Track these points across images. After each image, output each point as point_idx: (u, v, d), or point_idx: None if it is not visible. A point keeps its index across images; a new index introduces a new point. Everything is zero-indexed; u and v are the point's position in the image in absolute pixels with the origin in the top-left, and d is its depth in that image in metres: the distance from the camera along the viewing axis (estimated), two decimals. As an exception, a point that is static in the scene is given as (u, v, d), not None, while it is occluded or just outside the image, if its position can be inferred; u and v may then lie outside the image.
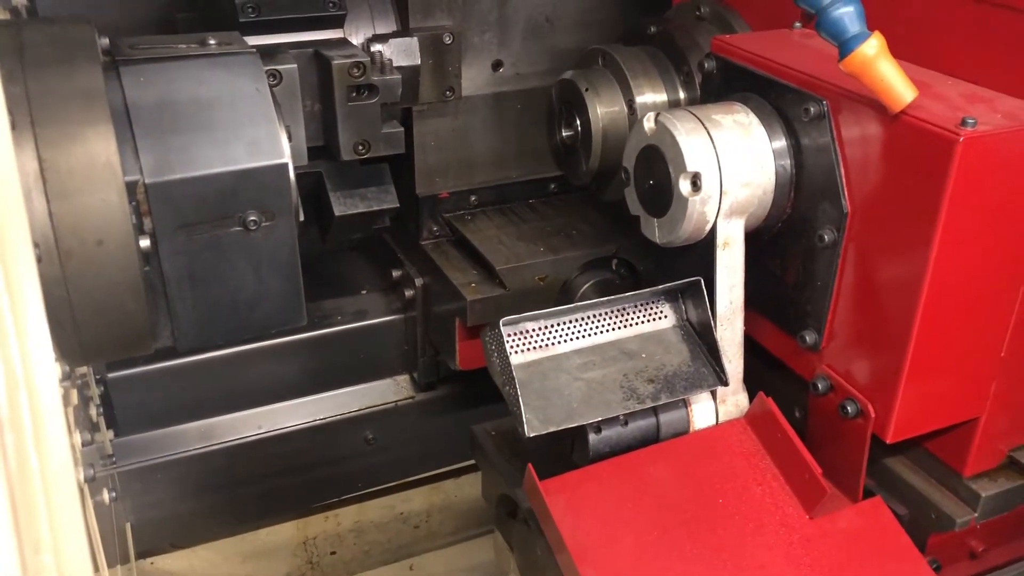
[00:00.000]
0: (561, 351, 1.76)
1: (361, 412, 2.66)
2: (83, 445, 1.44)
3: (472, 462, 2.74)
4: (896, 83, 1.45)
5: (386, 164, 2.45)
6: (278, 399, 2.63)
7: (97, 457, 1.97)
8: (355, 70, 2.11)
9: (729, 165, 1.67)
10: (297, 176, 2.22)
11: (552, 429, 1.63)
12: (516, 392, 1.64)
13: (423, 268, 2.62)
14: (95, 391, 2.20)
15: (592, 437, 1.73)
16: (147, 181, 1.49)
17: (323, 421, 2.63)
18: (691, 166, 1.65)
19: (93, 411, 2.08)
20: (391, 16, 2.38)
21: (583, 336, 1.78)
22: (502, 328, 1.67)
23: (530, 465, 1.69)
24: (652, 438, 1.77)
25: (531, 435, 1.61)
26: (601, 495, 1.67)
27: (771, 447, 1.73)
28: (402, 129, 2.22)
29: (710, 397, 1.81)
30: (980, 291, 1.56)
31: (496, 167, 2.67)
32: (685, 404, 1.79)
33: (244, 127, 1.57)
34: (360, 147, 2.19)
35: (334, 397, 2.66)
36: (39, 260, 1.30)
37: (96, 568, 1.43)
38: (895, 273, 1.56)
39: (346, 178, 2.40)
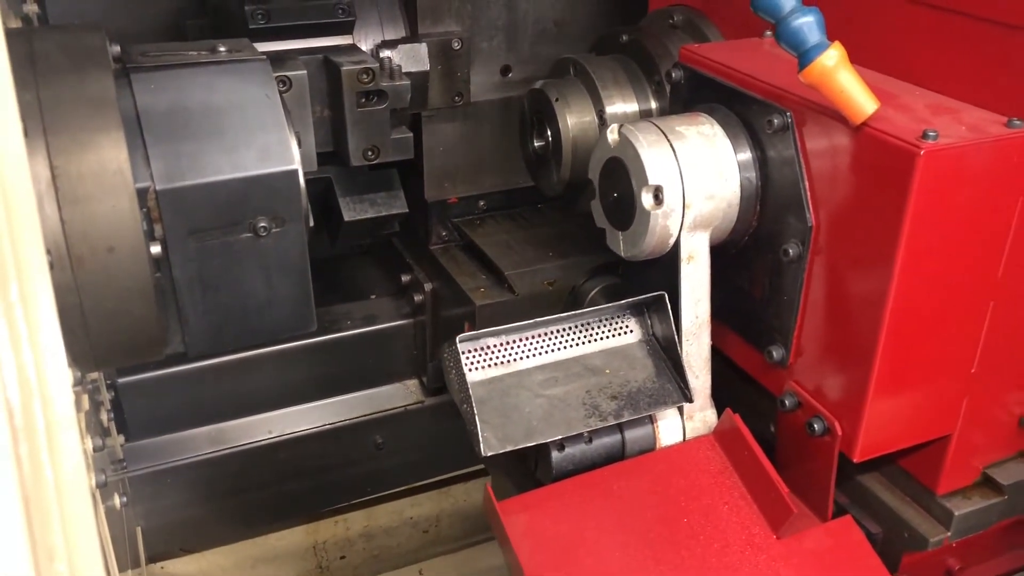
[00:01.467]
0: (523, 367, 1.73)
1: (370, 416, 2.66)
2: (94, 450, 1.44)
3: (481, 466, 2.74)
4: (856, 95, 1.43)
5: (395, 169, 2.45)
6: (288, 404, 2.63)
7: (108, 462, 1.97)
8: (364, 76, 2.11)
9: (692, 178, 1.64)
10: (306, 182, 2.23)
11: (510, 448, 1.60)
12: (472, 410, 1.60)
13: (432, 273, 2.62)
14: (106, 396, 2.20)
15: (555, 455, 1.70)
16: (158, 188, 1.49)
17: (333, 426, 2.63)
18: (653, 179, 1.63)
19: (104, 416, 2.09)
20: (400, 22, 2.38)
21: (546, 352, 1.75)
22: (459, 345, 1.65)
23: (488, 485, 1.66)
24: (618, 455, 1.74)
25: (488, 454, 1.58)
26: (562, 515, 1.64)
27: (738, 465, 1.70)
28: (411, 135, 2.23)
29: (677, 413, 1.77)
30: (947, 307, 1.53)
31: (505, 172, 2.67)
32: (651, 420, 1.75)
33: (254, 133, 1.57)
34: (369, 152, 2.19)
35: (344, 402, 2.66)
36: (51, 267, 1.30)
37: (107, 574, 1.43)
38: (860, 288, 1.53)
39: (355, 183, 2.40)
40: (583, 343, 1.77)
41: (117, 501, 1.84)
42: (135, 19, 2.50)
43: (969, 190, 1.43)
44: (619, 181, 1.71)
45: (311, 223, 2.03)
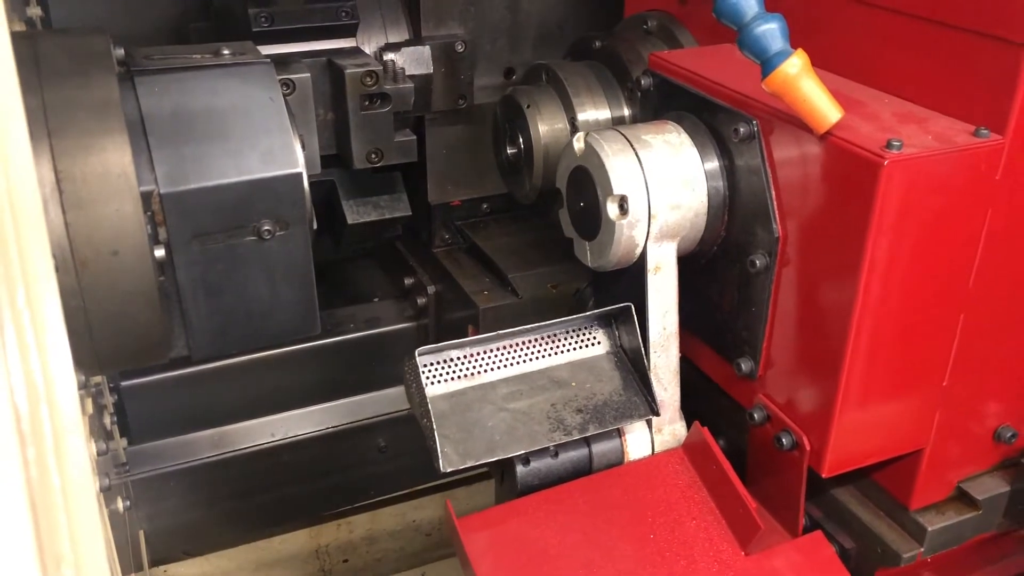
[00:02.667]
0: (488, 380, 1.69)
1: (374, 420, 2.65)
2: (98, 455, 1.44)
3: (484, 470, 2.73)
4: (820, 103, 1.39)
5: (398, 172, 2.45)
6: (291, 407, 2.62)
7: (111, 466, 1.97)
8: (368, 79, 2.11)
9: (657, 187, 1.61)
10: (310, 184, 2.23)
11: (471, 464, 1.57)
12: (432, 425, 1.57)
13: (435, 276, 2.62)
14: (109, 399, 2.20)
15: (520, 469, 1.66)
16: (162, 191, 1.49)
17: (336, 429, 2.62)
18: (617, 188, 1.60)
19: (107, 419, 2.09)
20: (403, 25, 2.38)
21: (512, 364, 1.71)
22: (418, 359, 1.62)
23: (448, 501, 1.61)
24: (585, 469, 1.70)
25: (447, 470, 1.55)
26: (525, 532, 1.59)
27: (707, 479, 1.66)
28: (414, 137, 2.23)
29: (645, 427, 1.73)
30: (916, 319, 1.50)
31: (508, 175, 2.66)
32: (619, 434, 1.72)
33: (258, 137, 1.57)
34: (373, 155, 2.19)
35: (347, 405, 2.66)
36: (56, 270, 1.30)
37: None
38: (826, 300, 1.50)
39: (359, 186, 2.41)
40: (549, 355, 1.73)
41: (120, 505, 1.84)
42: (138, 22, 2.50)
43: (936, 200, 1.40)
44: (585, 190, 1.68)
45: (315, 226, 2.03)
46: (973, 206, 1.44)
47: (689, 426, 1.73)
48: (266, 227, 1.58)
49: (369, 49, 2.32)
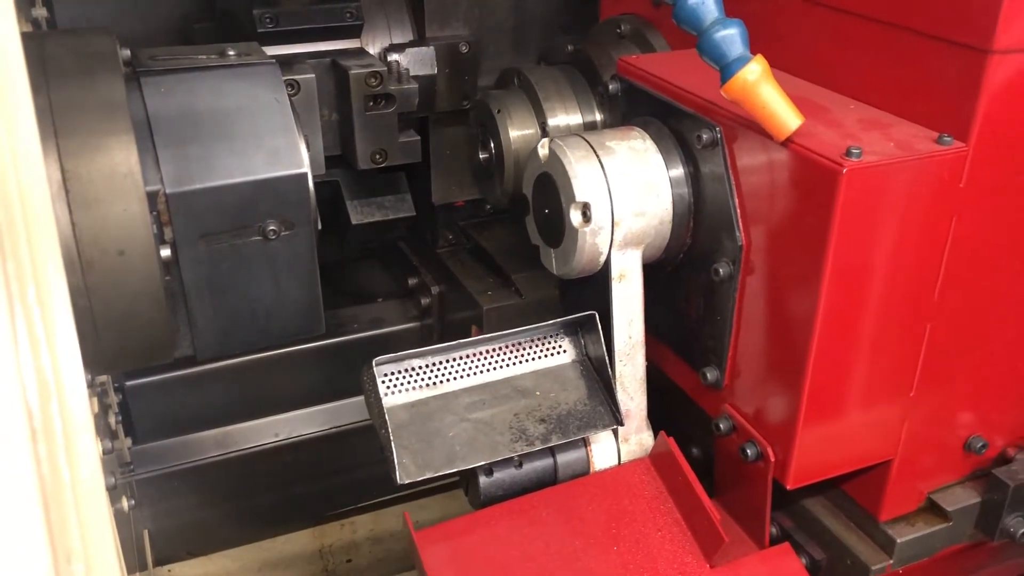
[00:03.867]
0: (450, 389, 1.67)
1: (377, 420, 2.65)
2: (104, 454, 1.45)
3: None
4: (779, 110, 1.37)
5: (402, 173, 2.46)
6: (295, 407, 2.63)
7: (116, 465, 1.98)
8: (372, 79, 2.12)
9: (621, 194, 1.59)
10: (315, 185, 2.24)
11: (429, 475, 1.55)
12: (388, 436, 1.55)
13: (439, 276, 2.63)
14: (113, 399, 2.21)
15: (483, 480, 1.63)
16: (168, 191, 1.50)
17: (339, 429, 2.63)
18: (580, 195, 1.58)
19: (112, 419, 2.09)
20: (408, 26, 2.39)
21: (475, 373, 1.69)
22: (375, 369, 1.60)
23: (406, 514, 1.61)
24: (549, 480, 1.68)
25: (404, 481, 1.53)
26: (486, 544, 1.57)
27: (673, 490, 1.64)
28: (419, 138, 2.24)
29: (612, 436, 1.72)
30: (880, 329, 1.48)
31: (512, 175, 2.67)
32: (585, 444, 1.69)
33: (264, 137, 1.58)
34: (377, 156, 2.20)
35: (350, 405, 2.66)
36: (62, 270, 1.31)
37: None
38: (789, 309, 1.48)
39: (363, 187, 2.41)
40: (514, 363, 1.71)
41: (125, 504, 1.85)
42: (142, 23, 2.51)
43: (898, 209, 1.39)
44: (549, 197, 1.66)
45: (319, 226, 2.03)
46: (937, 214, 1.42)
47: (659, 435, 1.72)
48: (271, 227, 1.59)
49: (373, 50, 2.33)
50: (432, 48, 2.33)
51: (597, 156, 1.60)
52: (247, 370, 2.53)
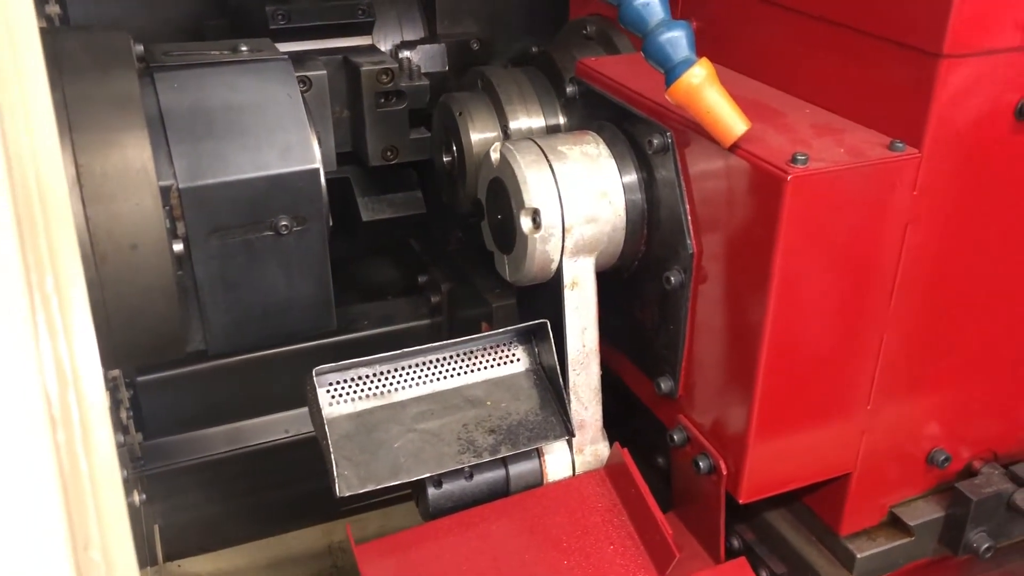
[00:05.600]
0: (398, 399, 1.66)
1: (387, 417, 2.66)
2: (118, 447, 1.45)
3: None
4: (724, 114, 1.35)
5: (413, 170, 2.46)
6: (305, 404, 2.63)
7: (127, 460, 1.99)
8: (384, 76, 2.16)
9: (572, 200, 1.58)
10: (326, 181, 2.25)
11: (372, 487, 1.54)
12: (328, 447, 1.55)
13: (449, 273, 2.65)
14: (125, 394, 2.22)
15: (432, 492, 1.61)
16: (181, 186, 1.53)
17: (349, 426, 2.63)
18: (530, 201, 1.58)
19: (123, 414, 2.10)
20: (419, 23, 2.44)
21: (425, 382, 1.68)
22: (316, 379, 1.60)
23: (347, 526, 1.62)
24: (501, 491, 1.66)
25: (345, 494, 1.53)
26: (431, 558, 1.55)
27: (627, 502, 1.63)
28: (430, 135, 2.24)
29: (566, 447, 1.71)
30: (833, 340, 1.47)
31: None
32: (538, 454, 1.68)
33: (276, 133, 1.61)
34: (388, 153, 2.23)
35: (360, 402, 2.66)
36: (76, 263, 1.32)
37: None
38: (739, 319, 1.47)
39: (374, 184, 2.44)
40: (466, 372, 1.70)
41: (136, 498, 1.86)
42: (154, 20, 2.55)
43: (847, 216, 1.38)
44: (501, 203, 1.66)
45: (331, 223, 2.03)
46: (890, 222, 1.41)
47: (614, 446, 1.71)
48: (283, 223, 1.61)
49: (385, 47, 2.38)
50: (443, 45, 2.37)
51: (548, 161, 1.60)
52: (258, 366, 2.56)
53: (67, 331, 0.76)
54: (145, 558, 1.99)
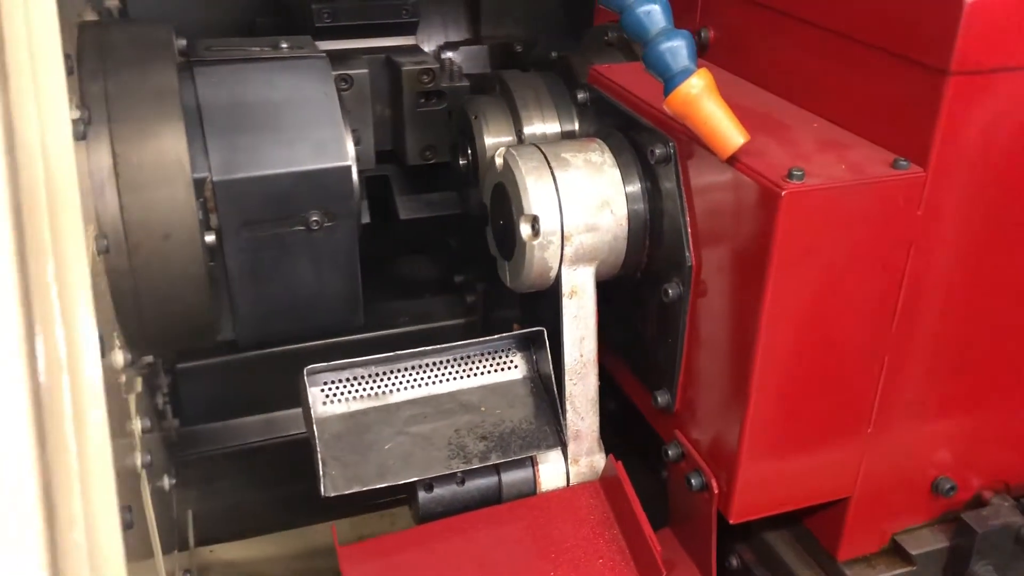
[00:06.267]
0: (393, 401, 1.66)
1: (420, 413, 2.67)
2: (144, 432, 1.48)
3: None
4: (721, 126, 1.32)
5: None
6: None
7: (160, 444, 2.02)
8: (424, 76, 2.18)
9: (572, 209, 1.56)
10: (365, 179, 2.27)
11: (357, 489, 1.54)
12: (315, 445, 1.55)
13: (485, 274, 2.64)
14: (163, 380, 2.26)
15: (422, 495, 1.61)
16: (215, 179, 1.56)
17: (383, 420, 2.65)
18: (529, 208, 1.56)
19: (160, 399, 2.15)
20: (463, 24, 2.46)
21: (421, 385, 1.68)
22: (305, 379, 1.59)
23: (333, 527, 1.61)
24: (493, 499, 1.64)
25: (330, 494, 1.53)
26: (415, 564, 1.54)
27: (620, 516, 1.60)
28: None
29: (561, 457, 1.68)
30: (831, 361, 1.43)
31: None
32: (532, 463, 1.66)
33: (310, 129, 1.63)
34: (427, 152, 2.26)
35: (395, 397, 2.68)
36: (107, 251, 1.35)
37: (152, 552, 1.48)
38: (733, 335, 1.44)
39: (412, 183, 2.46)
40: (463, 377, 1.70)
41: (166, 482, 1.90)
42: (209, 14, 2.58)
43: (846, 234, 1.34)
44: (504, 208, 1.64)
45: (365, 220, 2.05)
46: (892, 242, 1.37)
47: (608, 458, 1.69)
48: (314, 218, 1.64)
49: (428, 47, 2.40)
50: (486, 47, 2.37)
51: (550, 168, 1.58)
52: (295, 358, 2.57)
53: (66, 318, 0.78)
54: (174, 541, 2.02)
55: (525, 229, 1.57)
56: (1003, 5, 1.23)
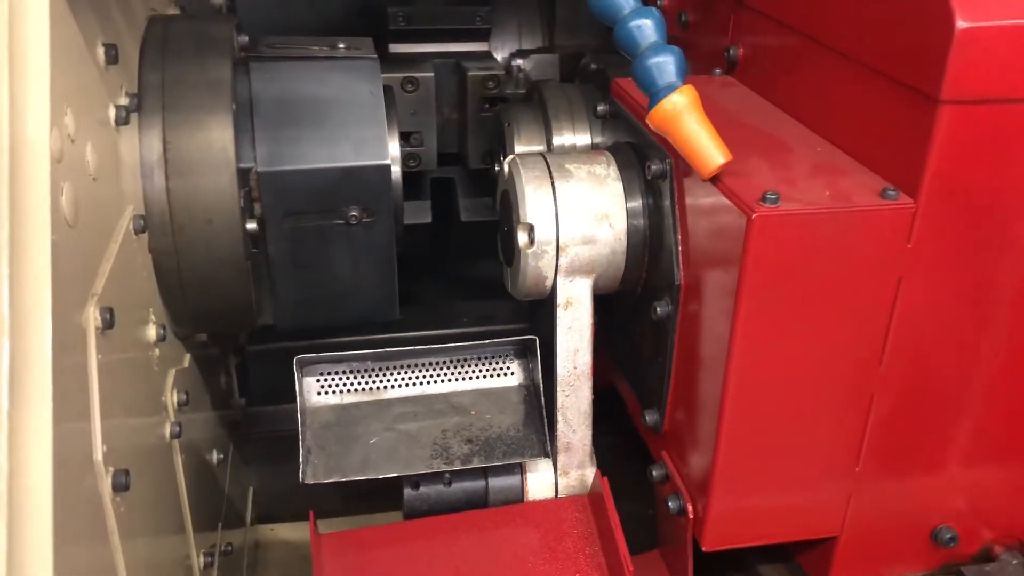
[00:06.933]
0: (386, 397, 1.68)
1: (478, 412, 2.70)
2: (180, 405, 1.56)
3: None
4: (702, 144, 1.29)
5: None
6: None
7: (214, 420, 2.11)
8: (489, 82, 2.21)
9: (569, 220, 1.55)
10: (431, 181, 2.31)
11: (337, 479, 1.56)
12: (303, 433, 1.58)
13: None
14: (231, 360, 2.36)
15: (408, 492, 1.63)
16: (259, 170, 1.61)
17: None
18: (525, 217, 1.56)
19: (223, 379, 2.24)
20: (539, 33, 2.45)
21: (416, 383, 1.69)
22: (295, 367, 1.62)
23: (311, 513, 1.60)
24: (479, 502, 1.65)
25: (309, 481, 1.56)
26: (390, 559, 1.54)
27: (602, 533, 1.58)
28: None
29: (551, 468, 1.66)
30: (811, 394, 1.37)
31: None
32: (521, 471, 1.65)
33: (354, 127, 1.67)
34: (488, 156, 2.25)
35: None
36: (144, 231, 1.43)
37: (180, 520, 1.56)
38: (710, 359, 1.39)
39: (477, 186, 2.48)
40: (458, 379, 1.71)
41: (214, 456, 1.97)
42: (313, 14, 2.64)
43: (827, 264, 1.28)
44: (507, 216, 1.65)
45: (426, 220, 2.09)
46: (879, 275, 1.31)
47: (595, 474, 1.66)
48: (353, 213, 1.68)
49: (501, 54, 2.42)
50: (557, 56, 2.37)
51: (551, 179, 1.58)
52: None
53: (16, 280, 0.84)
54: (220, 513, 2.10)
55: (522, 237, 1.57)
56: (996, 33, 1.17)
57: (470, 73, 2.19)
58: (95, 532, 1.10)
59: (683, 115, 1.29)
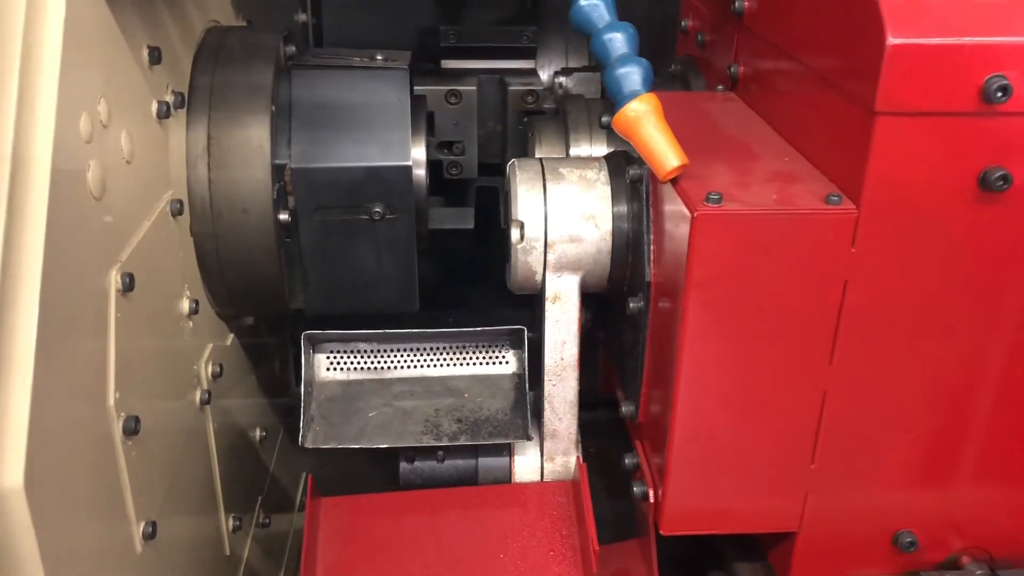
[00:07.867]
0: (388, 376, 1.79)
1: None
2: (212, 377, 1.72)
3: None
4: (659, 148, 1.35)
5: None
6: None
7: (267, 406, 2.26)
8: (529, 97, 2.31)
9: (557, 219, 1.63)
10: (476, 189, 2.44)
11: (333, 445, 1.67)
12: (307, 403, 1.70)
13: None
14: (289, 349, 2.51)
15: (403, 465, 1.73)
16: (293, 165, 1.75)
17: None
18: (517, 214, 1.64)
19: (278, 364, 2.40)
20: (584, 52, 2.54)
21: (417, 366, 1.80)
22: (303, 342, 1.74)
23: (309, 476, 1.67)
24: (470, 479, 1.73)
25: (308, 446, 1.67)
26: (379, 526, 1.62)
27: (580, 517, 1.63)
28: (567, 155, 2.36)
29: (537, 452, 1.74)
30: (758, 389, 1.40)
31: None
32: (510, 453, 1.73)
33: (381, 131, 1.79)
34: (525, 167, 2.36)
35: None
36: (180, 214, 1.60)
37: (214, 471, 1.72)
38: (667, 352, 1.44)
39: (516, 196, 2.58)
40: (456, 364, 1.81)
41: (256, 434, 2.13)
42: (388, 31, 2.78)
43: (771, 264, 1.32)
44: (506, 214, 1.73)
45: (468, 225, 2.21)
46: (824, 277, 1.34)
47: (576, 461, 1.73)
48: (376, 209, 1.79)
49: (547, 72, 2.50)
50: (598, 73, 2.45)
51: (543, 180, 1.66)
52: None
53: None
54: (261, 488, 2.23)
55: (514, 234, 1.65)
56: (925, 50, 1.20)
57: (511, 88, 2.28)
58: (103, 468, 1.22)
59: (642, 120, 1.36)
